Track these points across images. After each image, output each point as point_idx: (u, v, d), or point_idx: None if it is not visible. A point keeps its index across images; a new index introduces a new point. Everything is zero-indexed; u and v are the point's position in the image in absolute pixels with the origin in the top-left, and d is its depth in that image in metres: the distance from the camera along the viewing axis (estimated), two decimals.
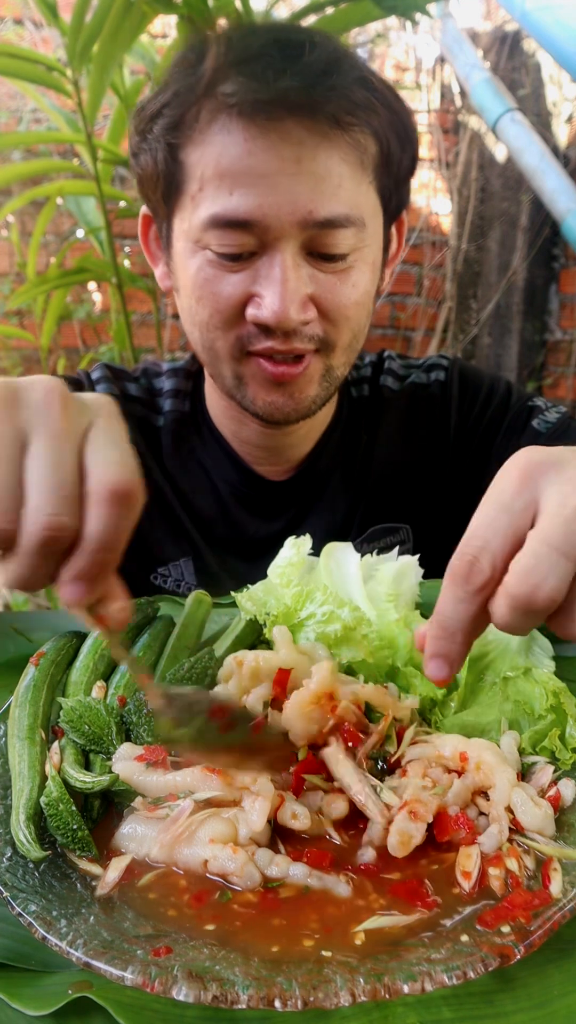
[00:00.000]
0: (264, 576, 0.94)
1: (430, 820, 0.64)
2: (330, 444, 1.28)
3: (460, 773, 0.69)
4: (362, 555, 1.26)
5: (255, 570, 1.14)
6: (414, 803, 0.64)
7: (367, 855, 0.63)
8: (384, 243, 1.14)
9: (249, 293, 1.03)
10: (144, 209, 1.17)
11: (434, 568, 1.01)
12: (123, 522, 0.57)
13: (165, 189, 1.06)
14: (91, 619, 0.60)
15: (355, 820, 0.67)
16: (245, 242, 1.00)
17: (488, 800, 0.67)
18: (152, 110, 1.04)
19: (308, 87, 0.95)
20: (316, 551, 0.95)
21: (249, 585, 0.94)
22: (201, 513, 1.28)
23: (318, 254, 1.03)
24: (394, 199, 1.12)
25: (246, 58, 0.98)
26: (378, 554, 1.20)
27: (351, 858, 0.64)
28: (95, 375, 1.28)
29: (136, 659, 0.80)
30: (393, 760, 0.72)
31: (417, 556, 0.96)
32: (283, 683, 0.75)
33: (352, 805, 0.66)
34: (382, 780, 0.69)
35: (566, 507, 0.56)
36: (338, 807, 0.66)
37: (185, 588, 1.26)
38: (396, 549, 0.98)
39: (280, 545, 1.24)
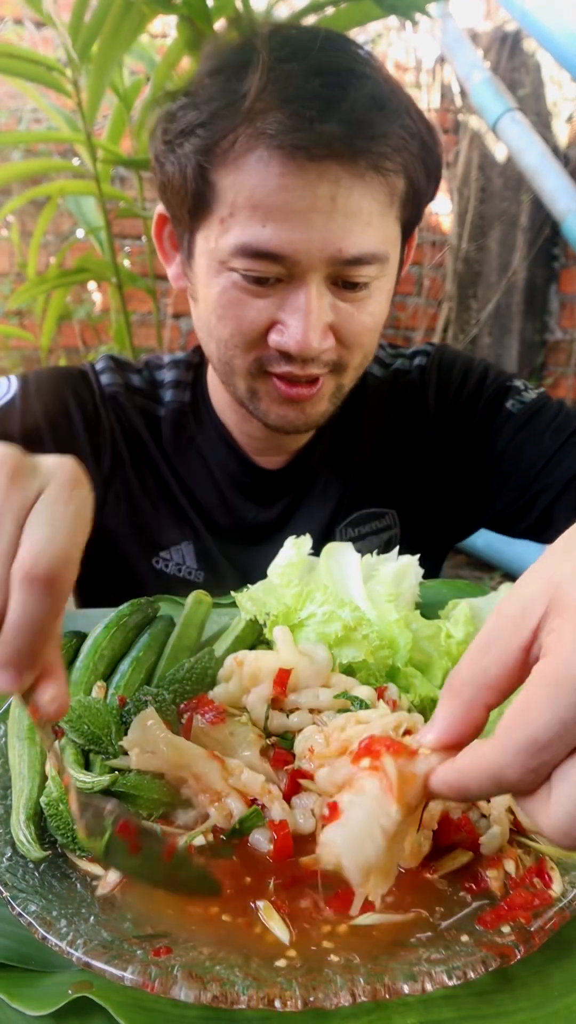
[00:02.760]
0: (261, 563, 0.94)
1: (435, 827, 0.63)
2: (324, 434, 1.30)
3: None
4: (348, 540, 1.28)
5: (252, 557, 1.14)
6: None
7: None
8: (400, 260, 1.16)
9: (273, 320, 1.04)
10: (160, 209, 1.16)
11: (421, 550, 1.02)
12: (42, 608, 0.53)
13: (192, 205, 1.06)
14: (24, 706, 0.57)
15: None
16: (272, 271, 1.01)
17: (488, 802, 0.67)
18: (184, 125, 1.03)
19: (351, 134, 0.95)
20: (312, 537, 0.95)
21: (249, 585, 0.94)
22: (200, 500, 1.29)
23: (342, 283, 1.04)
24: (413, 223, 1.14)
25: (288, 91, 0.96)
26: (365, 539, 1.20)
27: None
28: (99, 366, 1.30)
29: (59, 753, 0.66)
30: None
31: (417, 556, 0.96)
32: (283, 683, 0.75)
33: None
34: None
35: None
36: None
37: (186, 572, 1.27)
38: (396, 549, 0.98)
39: (277, 532, 1.24)
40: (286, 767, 0.69)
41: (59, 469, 0.58)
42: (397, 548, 0.99)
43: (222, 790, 0.65)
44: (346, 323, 1.06)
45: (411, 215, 1.11)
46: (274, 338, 1.05)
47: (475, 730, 0.50)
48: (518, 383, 1.29)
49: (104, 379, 1.27)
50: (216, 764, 0.66)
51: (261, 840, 0.64)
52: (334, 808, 0.51)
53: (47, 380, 1.25)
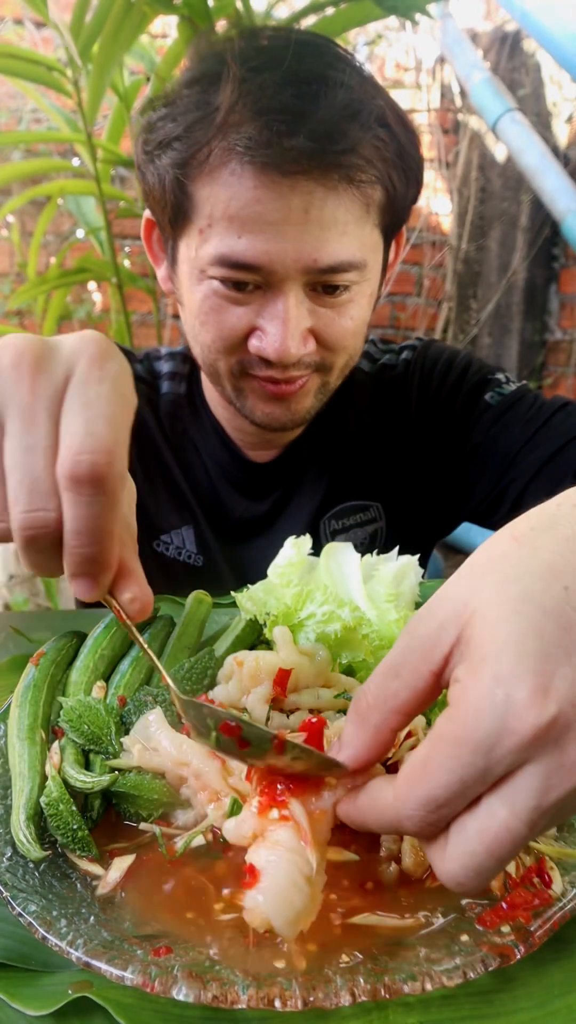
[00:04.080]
0: (254, 556, 0.95)
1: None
2: (313, 429, 1.30)
3: None
4: (332, 532, 1.28)
5: (244, 551, 1.14)
6: None
7: (392, 870, 0.62)
8: (383, 262, 1.17)
9: (253, 326, 1.06)
10: (147, 213, 1.18)
11: (406, 544, 1.02)
12: (95, 509, 0.51)
13: (172, 215, 1.08)
14: (112, 609, 0.56)
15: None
16: (250, 279, 1.03)
17: None
18: (162, 137, 1.04)
19: (322, 149, 0.96)
20: (300, 531, 0.96)
21: (249, 584, 0.94)
22: (193, 492, 1.31)
23: (321, 288, 1.05)
24: (396, 225, 1.15)
25: (261, 101, 0.96)
26: (349, 531, 1.21)
27: (373, 871, 0.62)
28: None
29: (155, 657, 0.70)
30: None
31: (417, 556, 0.96)
32: (283, 683, 0.75)
33: None
34: None
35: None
36: None
37: (186, 556, 1.28)
38: (396, 549, 0.98)
39: (267, 526, 1.25)
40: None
41: (85, 345, 0.55)
42: (397, 548, 0.99)
43: (221, 790, 0.65)
44: (327, 328, 1.08)
45: (392, 220, 1.11)
46: (254, 344, 1.07)
47: (381, 755, 0.50)
48: (499, 376, 1.29)
49: None
50: (216, 763, 0.66)
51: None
52: (252, 871, 0.50)
53: None
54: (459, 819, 0.45)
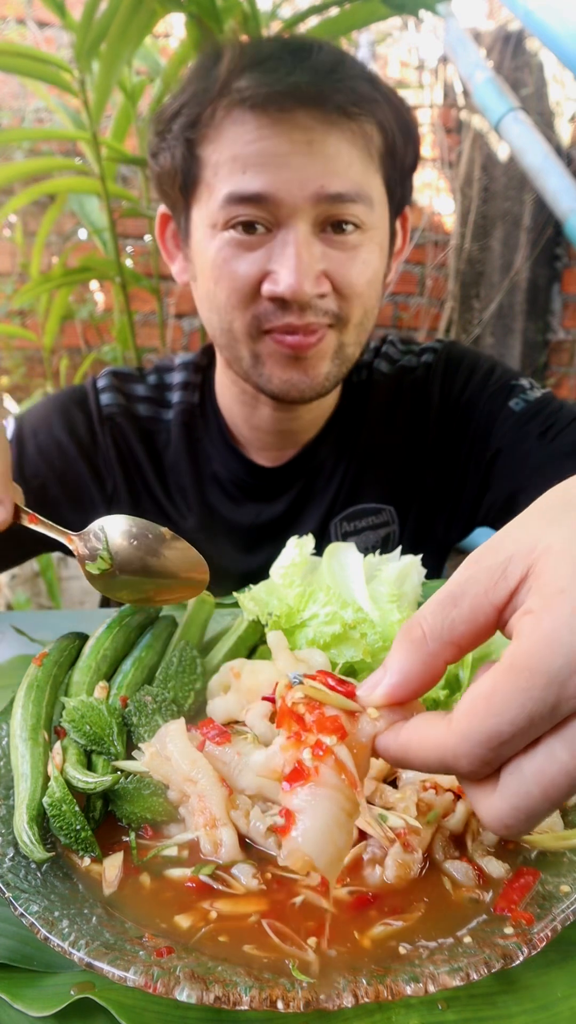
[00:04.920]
0: (262, 562, 0.95)
1: (423, 849, 0.63)
2: (330, 429, 1.30)
3: (458, 795, 0.67)
4: (343, 534, 1.28)
5: (260, 555, 1.14)
6: (408, 834, 0.62)
7: (375, 874, 0.62)
8: (390, 235, 1.18)
9: (265, 271, 1.07)
10: (162, 208, 1.21)
11: (422, 548, 1.02)
12: None
13: (183, 182, 1.12)
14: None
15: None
16: (259, 215, 1.05)
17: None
18: (171, 111, 1.10)
19: (316, 81, 1.02)
20: (316, 534, 0.95)
21: (251, 585, 0.94)
22: (204, 501, 1.30)
23: (330, 228, 1.07)
24: (398, 192, 1.16)
25: (259, 59, 1.04)
26: (361, 534, 1.21)
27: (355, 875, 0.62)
28: (101, 383, 1.33)
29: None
30: (388, 780, 0.70)
31: (419, 556, 0.96)
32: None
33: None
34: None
35: None
36: None
37: None
38: (399, 549, 0.98)
39: (282, 530, 1.25)
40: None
41: None
42: (399, 548, 0.99)
43: (220, 818, 0.64)
44: (339, 270, 1.08)
45: (393, 176, 1.13)
46: (267, 287, 1.07)
47: (428, 687, 0.47)
48: (523, 381, 1.29)
49: (104, 399, 1.30)
50: (223, 791, 0.65)
51: (241, 875, 0.62)
52: (288, 815, 0.48)
53: (42, 418, 1.29)
54: (513, 760, 0.43)
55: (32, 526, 0.78)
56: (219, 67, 1.06)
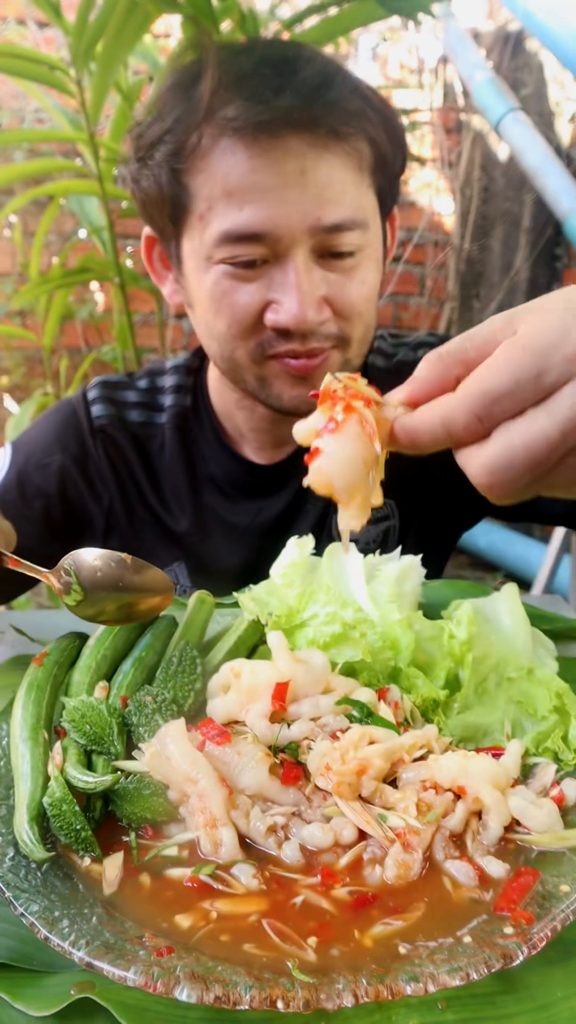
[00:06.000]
0: (261, 562, 0.94)
1: (423, 849, 0.63)
2: None
3: (458, 795, 0.67)
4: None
5: (263, 554, 1.14)
6: (408, 834, 0.63)
7: (375, 874, 0.62)
8: (383, 241, 1.18)
9: (266, 300, 1.06)
10: (147, 230, 1.20)
11: (424, 542, 1.01)
12: None
13: (171, 212, 1.09)
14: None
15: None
16: (257, 252, 1.03)
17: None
18: (152, 137, 1.07)
19: (306, 104, 0.99)
20: (313, 530, 0.95)
21: (251, 585, 0.94)
22: (200, 503, 1.30)
23: (328, 255, 1.06)
24: (388, 197, 1.16)
25: (242, 78, 1.01)
26: (363, 529, 1.21)
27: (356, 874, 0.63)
28: (91, 395, 1.33)
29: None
30: (388, 780, 0.70)
31: (420, 556, 0.96)
32: (282, 697, 0.74)
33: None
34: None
35: None
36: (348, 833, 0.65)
37: (180, 591, 1.28)
38: (399, 549, 0.98)
39: (283, 527, 1.25)
40: (298, 783, 0.68)
41: None
42: (400, 548, 0.99)
43: (220, 818, 0.64)
44: (340, 294, 1.07)
45: (383, 184, 1.12)
46: (270, 317, 1.06)
47: (440, 392, 0.58)
48: None
49: (95, 411, 1.30)
50: (224, 791, 0.65)
51: (241, 875, 0.62)
52: (316, 450, 0.59)
53: (36, 442, 1.30)
54: (503, 424, 0.54)
55: (13, 568, 0.82)
56: (199, 87, 1.02)
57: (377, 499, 0.63)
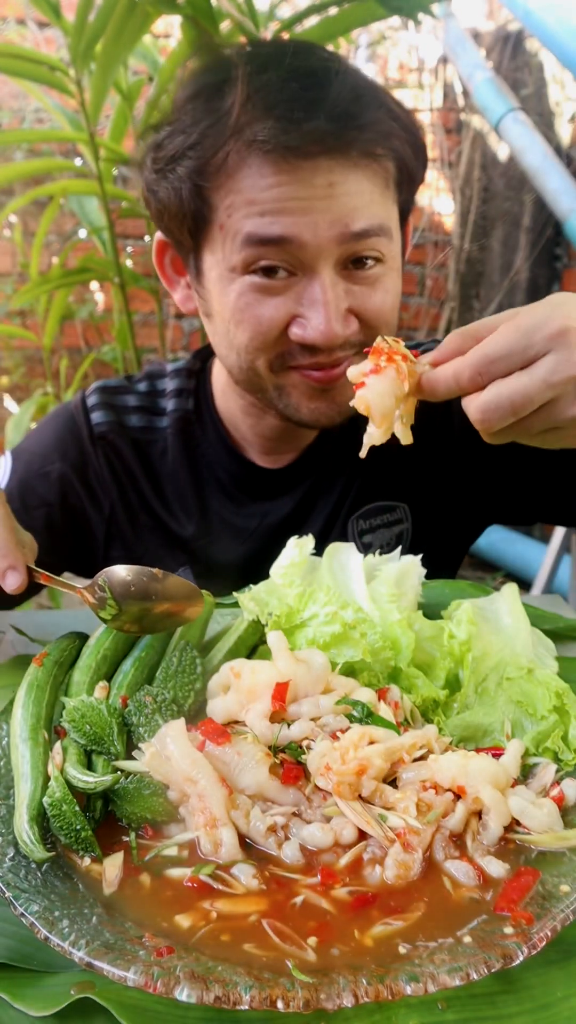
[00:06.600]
0: (269, 565, 0.94)
1: (423, 849, 0.63)
2: (333, 430, 1.29)
3: (458, 795, 0.67)
4: (359, 532, 1.27)
5: (268, 557, 1.15)
6: (408, 834, 0.63)
7: (375, 874, 0.62)
8: (402, 249, 1.18)
9: (292, 314, 1.05)
10: (159, 235, 1.18)
11: (437, 546, 1.01)
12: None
13: (192, 226, 1.07)
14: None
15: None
16: (282, 258, 1.02)
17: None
18: (173, 150, 1.05)
19: (339, 128, 0.98)
20: (323, 532, 0.95)
21: (251, 585, 0.94)
22: (205, 506, 1.29)
23: (352, 264, 1.05)
24: (408, 207, 1.15)
25: (271, 97, 0.99)
26: (376, 532, 1.21)
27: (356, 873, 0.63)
28: (91, 401, 1.31)
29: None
30: (388, 780, 0.70)
31: (420, 556, 0.96)
32: (282, 697, 0.74)
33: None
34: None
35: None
36: (348, 833, 0.65)
37: None
38: (399, 549, 0.98)
39: (290, 530, 1.25)
40: (298, 783, 0.68)
41: None
42: (399, 548, 0.99)
43: (220, 818, 0.64)
44: (365, 305, 1.07)
45: (407, 197, 1.12)
46: (296, 332, 1.05)
47: (457, 355, 0.77)
48: None
49: (95, 417, 1.29)
50: (224, 791, 0.65)
51: (241, 875, 0.62)
52: (362, 384, 0.79)
53: (36, 450, 1.29)
54: (497, 381, 0.73)
55: (45, 583, 0.87)
56: (225, 101, 1.01)
57: (407, 437, 0.80)
